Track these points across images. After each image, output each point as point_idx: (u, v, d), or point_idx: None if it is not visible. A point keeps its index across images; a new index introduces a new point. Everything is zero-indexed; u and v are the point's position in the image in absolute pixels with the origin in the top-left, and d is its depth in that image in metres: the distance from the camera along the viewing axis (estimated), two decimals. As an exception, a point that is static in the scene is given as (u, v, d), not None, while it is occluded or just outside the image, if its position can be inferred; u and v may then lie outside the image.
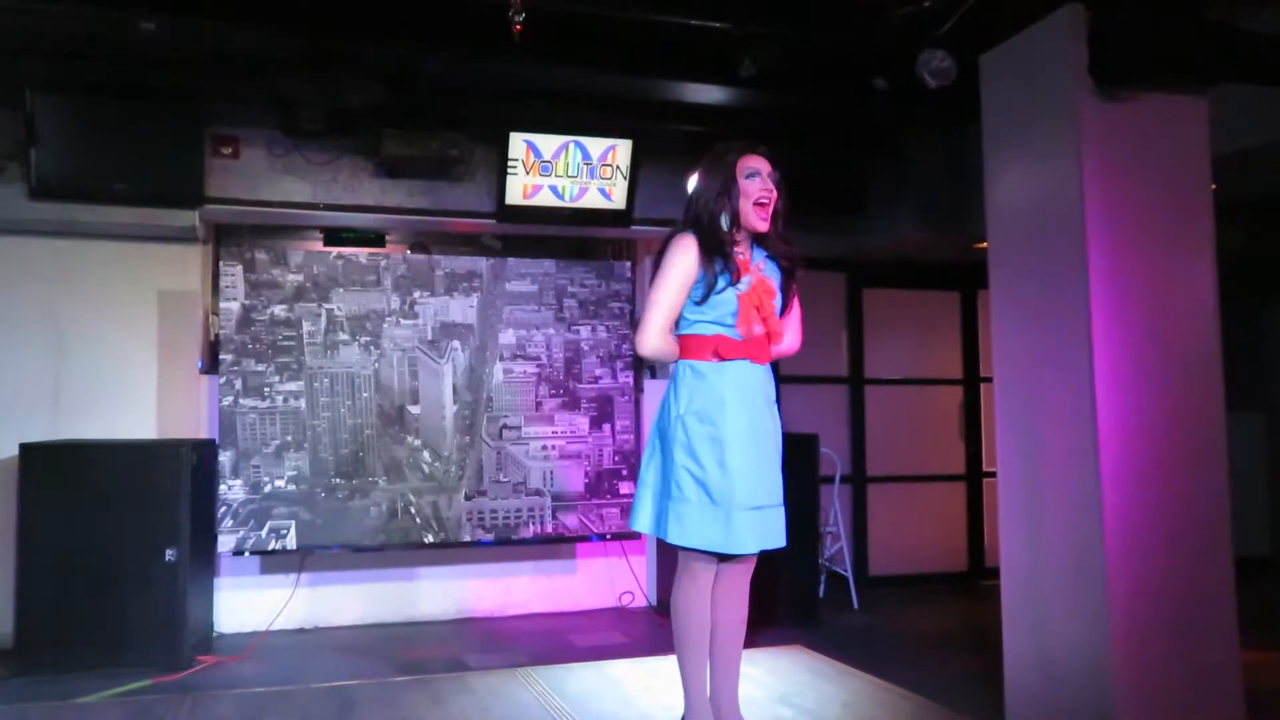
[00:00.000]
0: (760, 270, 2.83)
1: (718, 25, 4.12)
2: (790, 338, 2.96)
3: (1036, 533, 3.63)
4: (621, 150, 5.51)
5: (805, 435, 5.79)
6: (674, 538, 2.73)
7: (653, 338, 2.76)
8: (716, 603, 2.86)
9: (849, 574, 6.14)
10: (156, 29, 3.99)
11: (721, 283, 2.76)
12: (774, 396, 2.89)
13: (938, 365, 7.14)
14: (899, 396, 7.02)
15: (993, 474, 6.03)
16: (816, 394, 6.74)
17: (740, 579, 2.88)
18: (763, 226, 2.80)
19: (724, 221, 2.78)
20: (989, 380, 4.08)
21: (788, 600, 5.47)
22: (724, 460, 2.70)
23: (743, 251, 2.83)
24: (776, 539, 2.80)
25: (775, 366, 3.05)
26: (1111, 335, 3.42)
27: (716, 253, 2.77)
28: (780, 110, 5.08)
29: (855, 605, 6.04)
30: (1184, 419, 3.50)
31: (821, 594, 5.97)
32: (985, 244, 3.98)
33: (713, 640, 2.86)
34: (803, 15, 4.16)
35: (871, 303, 7.02)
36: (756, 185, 2.78)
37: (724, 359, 2.78)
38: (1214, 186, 3.64)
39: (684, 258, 2.75)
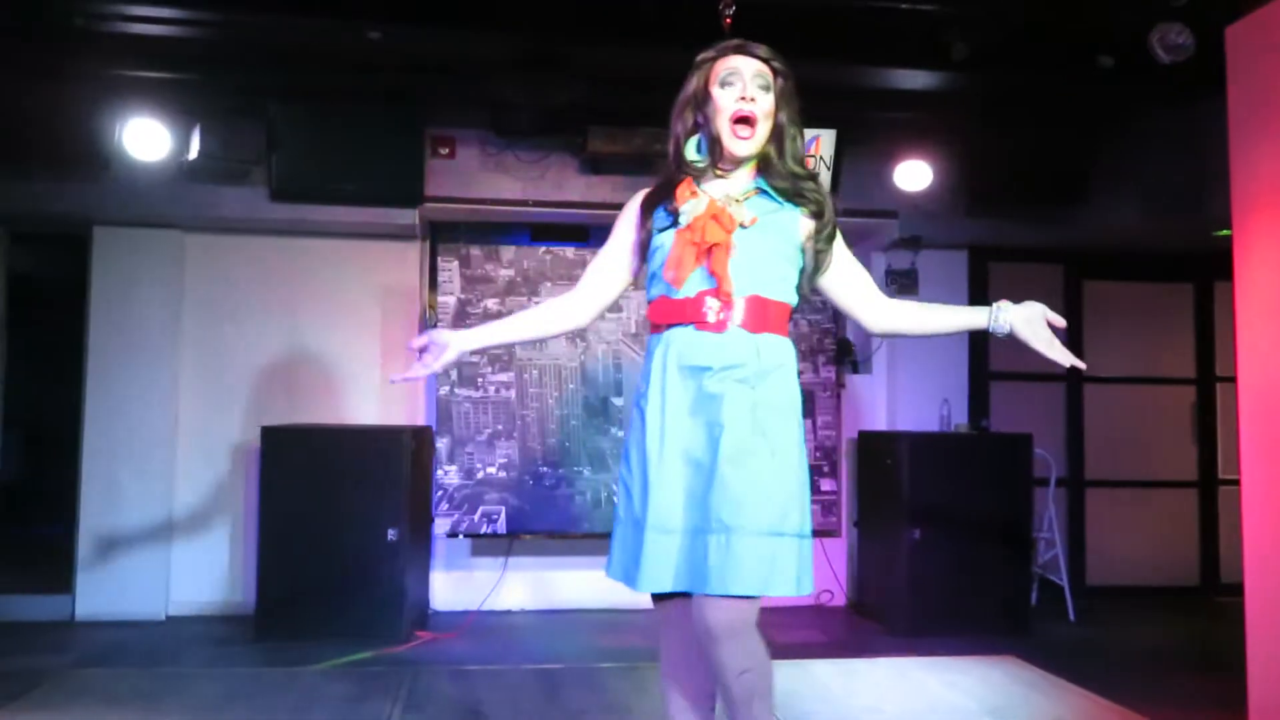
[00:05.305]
0: (728, 204, 2.04)
1: (928, 8, 3.98)
2: (857, 299, 2.24)
3: (1285, 547, 3.31)
4: (825, 140, 5.40)
5: (1016, 435, 5.52)
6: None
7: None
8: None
9: (1065, 583, 5.80)
10: (382, 37, 4.23)
11: (657, 225, 2.10)
12: (763, 371, 2.03)
13: (1166, 363, 6.63)
14: (1122, 396, 6.57)
15: (1230, 481, 5.56)
16: (1029, 392, 6.40)
17: (714, 644, 1.93)
18: (742, 150, 2.08)
19: (692, 149, 2.12)
20: (1227, 379, 3.74)
21: (997, 607, 5.23)
22: (644, 463, 2.04)
23: (723, 173, 2.11)
24: (764, 583, 1.92)
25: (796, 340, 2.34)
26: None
27: (662, 194, 2.12)
28: (993, 93, 4.84)
29: (1071, 616, 5.70)
30: None
31: (1034, 602, 5.67)
32: (1226, 231, 3.66)
33: None
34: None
35: (1092, 296, 6.59)
36: (731, 95, 2.06)
37: (657, 327, 2.11)
38: None
39: (619, 222, 2.21)
